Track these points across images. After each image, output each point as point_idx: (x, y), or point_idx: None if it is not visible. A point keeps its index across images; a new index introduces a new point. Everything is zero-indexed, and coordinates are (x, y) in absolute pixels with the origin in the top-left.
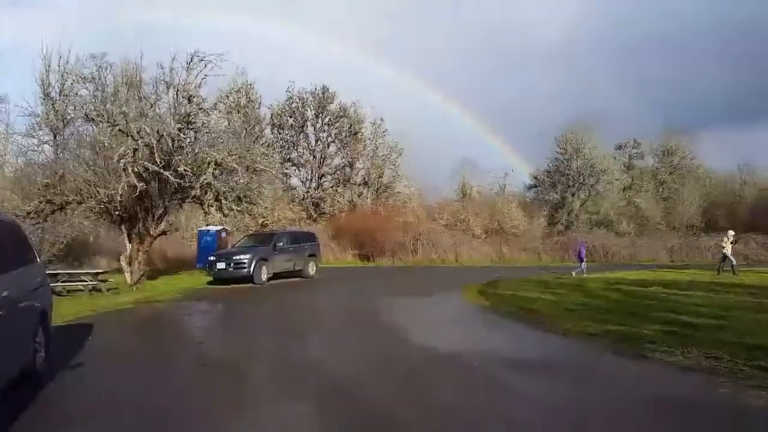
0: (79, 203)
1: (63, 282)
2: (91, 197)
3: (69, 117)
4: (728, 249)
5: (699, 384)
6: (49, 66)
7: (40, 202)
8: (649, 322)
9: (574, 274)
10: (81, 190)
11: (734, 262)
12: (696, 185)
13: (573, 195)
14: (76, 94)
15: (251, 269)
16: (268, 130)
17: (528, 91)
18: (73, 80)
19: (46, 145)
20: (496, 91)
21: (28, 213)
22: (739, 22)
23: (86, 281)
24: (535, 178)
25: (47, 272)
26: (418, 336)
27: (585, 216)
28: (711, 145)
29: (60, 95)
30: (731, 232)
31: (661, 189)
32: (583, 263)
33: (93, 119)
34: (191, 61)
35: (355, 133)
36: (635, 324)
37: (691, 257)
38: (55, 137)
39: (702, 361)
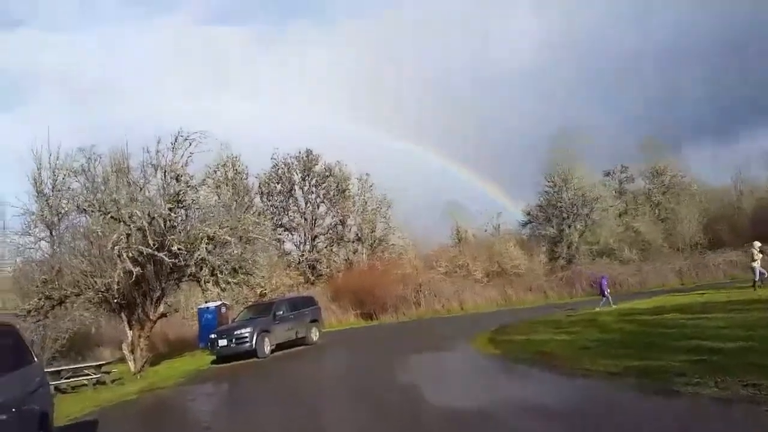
0: (77, 295)
1: (67, 378)
2: (89, 288)
3: (63, 211)
4: (757, 262)
5: (742, 417)
6: (40, 163)
7: (39, 299)
8: (673, 353)
9: (598, 309)
10: (78, 282)
11: (765, 274)
12: (692, 202)
13: (569, 227)
14: (68, 187)
15: (253, 343)
16: (257, 199)
17: (504, 123)
18: (65, 174)
19: (43, 242)
20: (474, 132)
21: (29, 311)
22: (718, 35)
23: (90, 375)
24: (528, 214)
25: (50, 370)
26: (433, 395)
27: (585, 247)
28: (700, 160)
29: (53, 191)
30: (757, 243)
31: (657, 210)
32: (607, 293)
33: (85, 210)
34: (176, 141)
35: (343, 191)
36: (658, 356)
37: (701, 277)
38: (51, 233)
39: (739, 390)
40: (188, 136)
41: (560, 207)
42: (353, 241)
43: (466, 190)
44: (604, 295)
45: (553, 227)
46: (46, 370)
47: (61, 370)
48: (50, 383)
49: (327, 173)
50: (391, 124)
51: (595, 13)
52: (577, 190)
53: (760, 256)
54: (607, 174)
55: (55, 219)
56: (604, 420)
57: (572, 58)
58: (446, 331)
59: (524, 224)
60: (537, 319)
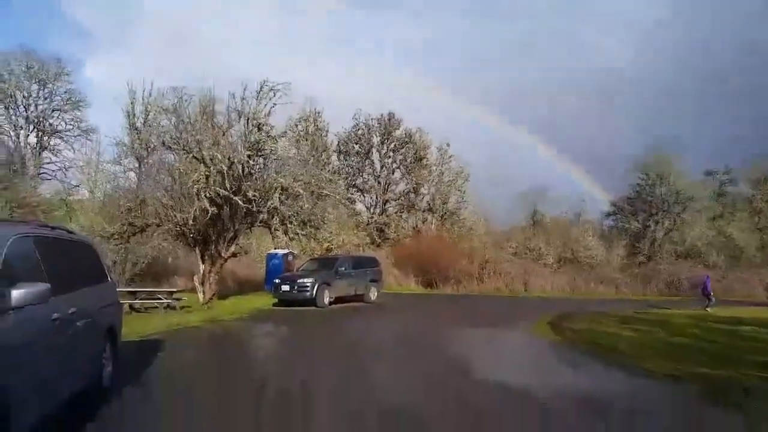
0: (158, 226)
1: (142, 299)
2: (169, 220)
3: (152, 146)
4: None
5: None
6: (134, 99)
7: (123, 225)
8: (745, 366)
9: (709, 309)
10: (159, 213)
11: None
12: None
13: (656, 223)
14: (158, 124)
15: (314, 292)
16: (334, 157)
17: (607, 119)
18: (156, 111)
19: (131, 173)
20: (574, 119)
21: (112, 235)
22: None
23: (162, 299)
24: (614, 205)
25: (127, 290)
26: (485, 370)
27: (669, 246)
28: None
29: (144, 125)
30: None
31: (757, 218)
32: (711, 296)
33: (171, 147)
34: (261, 90)
35: (420, 159)
36: (728, 367)
37: None
38: (139, 165)
39: None
40: (273, 86)
41: (650, 202)
42: (424, 210)
43: (550, 174)
44: (707, 296)
45: (638, 222)
46: (124, 289)
47: (137, 291)
48: (126, 302)
49: (406, 139)
50: (481, 96)
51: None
52: (671, 186)
53: None
54: (709, 174)
55: (144, 153)
56: (656, 424)
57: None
58: (507, 310)
59: (608, 215)
60: (605, 312)
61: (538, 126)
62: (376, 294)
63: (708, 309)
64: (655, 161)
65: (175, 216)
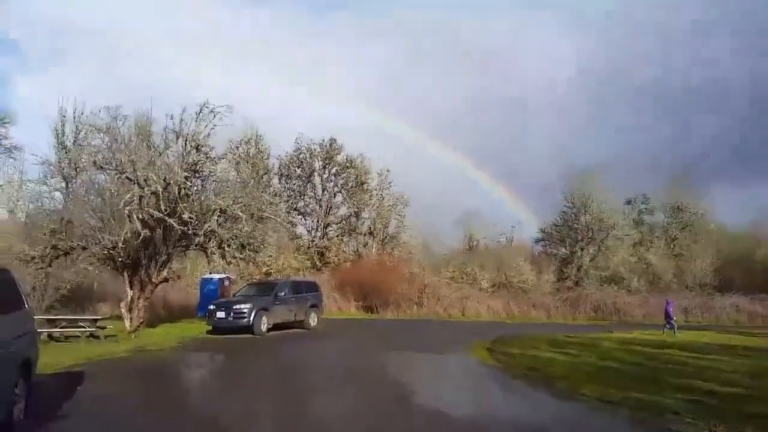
0: (84, 249)
1: (62, 328)
2: (96, 243)
3: (81, 165)
4: None
5: None
6: (64, 117)
7: (46, 248)
8: (670, 390)
9: (664, 331)
10: (86, 236)
11: None
12: (709, 242)
13: (582, 250)
14: (89, 143)
15: (251, 319)
16: (275, 180)
17: (532, 145)
18: (88, 130)
19: (57, 193)
20: (501, 145)
21: (32, 258)
22: (748, 75)
23: (84, 327)
24: (543, 231)
25: (47, 317)
26: (423, 397)
27: (594, 272)
28: (723, 202)
29: (74, 144)
30: None
31: (672, 245)
32: (673, 320)
33: (102, 167)
34: (201, 111)
35: (362, 184)
36: (655, 391)
37: (706, 318)
38: (66, 185)
39: None
40: (213, 108)
41: (576, 229)
42: (365, 234)
43: (485, 199)
44: (669, 321)
45: (565, 248)
46: (42, 317)
47: (57, 319)
48: (45, 330)
49: (348, 164)
50: (419, 125)
51: (633, 46)
52: (595, 214)
53: None
54: (628, 202)
55: (73, 172)
56: None
57: (608, 86)
58: (445, 334)
59: (537, 241)
60: (538, 336)
61: (473, 152)
62: (316, 320)
63: (664, 332)
64: (579, 190)
65: (103, 238)
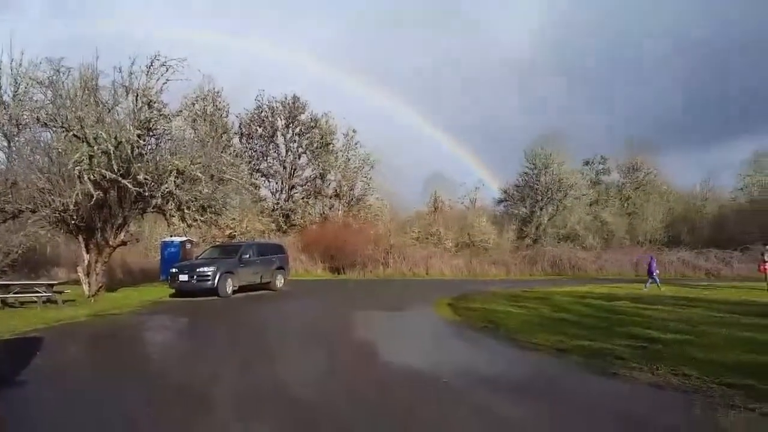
0: (33, 212)
1: (15, 293)
2: (46, 205)
3: (23, 122)
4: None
5: (669, 402)
6: (0, 68)
7: None
8: (618, 337)
9: (646, 288)
10: (35, 198)
11: None
12: (659, 201)
13: (541, 209)
14: (30, 98)
15: (215, 282)
16: (236, 140)
17: (497, 108)
18: (28, 84)
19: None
20: (467, 108)
21: None
22: (701, 41)
23: (40, 292)
24: (505, 192)
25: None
26: (388, 352)
27: (552, 230)
28: (673, 163)
29: (13, 99)
30: None
31: (626, 204)
32: (655, 275)
33: (47, 124)
34: (152, 65)
35: (327, 144)
36: (604, 339)
37: None
38: (8, 143)
39: (671, 378)
40: (165, 61)
41: (536, 189)
42: (331, 197)
43: (451, 163)
44: (651, 276)
45: (525, 207)
46: None
47: (11, 284)
48: None
49: (312, 124)
50: (387, 85)
51: (591, 14)
52: (555, 175)
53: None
54: (587, 163)
55: (14, 129)
56: (541, 391)
57: (567, 53)
58: (410, 293)
59: (499, 201)
60: (497, 292)
61: (437, 113)
62: (282, 281)
63: (646, 288)
64: (540, 151)
65: (53, 201)
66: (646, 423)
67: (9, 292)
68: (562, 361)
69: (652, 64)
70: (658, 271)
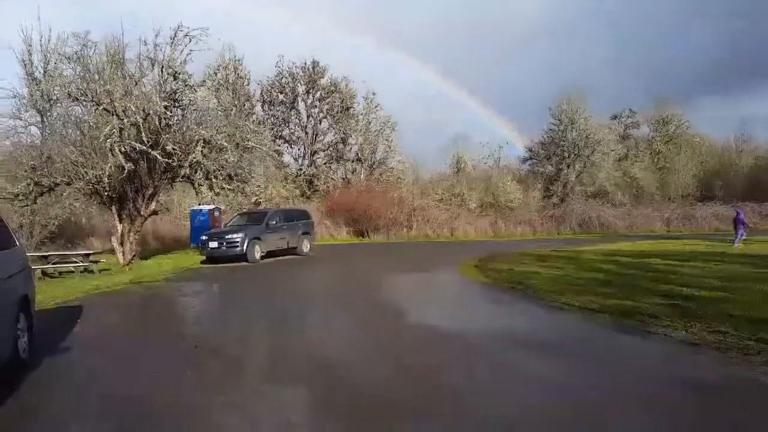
0: (68, 184)
1: (54, 264)
2: (79, 178)
3: (54, 97)
4: None
5: (706, 360)
6: (30, 46)
7: (28, 185)
8: (650, 296)
9: (736, 245)
10: (69, 171)
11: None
12: (692, 155)
13: (568, 167)
14: (60, 74)
15: (244, 248)
16: (258, 107)
17: (520, 65)
18: (57, 59)
19: (33, 127)
20: (489, 67)
21: (16, 195)
22: None
23: (77, 262)
24: (530, 150)
25: (38, 254)
26: (416, 314)
27: (580, 188)
28: (706, 115)
29: (44, 75)
30: None
31: (656, 159)
32: (742, 229)
33: (77, 99)
34: (175, 36)
35: (347, 108)
36: (636, 297)
37: (687, 227)
38: (42, 118)
39: (706, 335)
40: (188, 32)
41: (563, 146)
42: (353, 161)
43: (473, 123)
44: (738, 231)
45: (552, 165)
46: (33, 254)
47: (49, 255)
48: (37, 267)
49: (332, 88)
50: (408, 48)
51: None
52: (582, 131)
53: None
54: (615, 117)
55: (47, 105)
56: (574, 351)
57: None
58: (435, 255)
59: (524, 160)
60: (524, 252)
61: (458, 73)
62: (308, 246)
63: (736, 245)
64: (566, 106)
65: (87, 173)
66: (681, 381)
67: (48, 263)
68: (592, 320)
69: (679, 14)
70: (745, 226)
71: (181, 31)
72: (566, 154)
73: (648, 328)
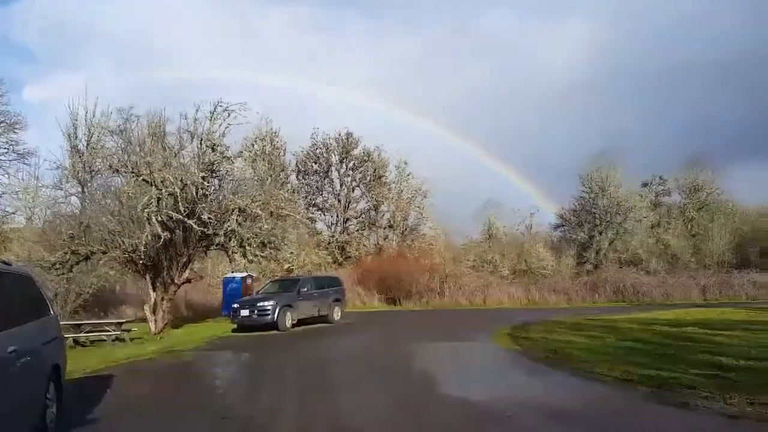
0: (104, 253)
1: (87, 332)
2: (116, 247)
3: (96, 169)
4: None
5: None
6: (76, 120)
7: (65, 253)
8: (688, 366)
9: None
10: (106, 240)
11: None
12: (726, 221)
13: (600, 234)
14: (102, 146)
15: (275, 316)
16: (293, 177)
17: (550, 130)
18: (100, 133)
19: (74, 197)
20: (518, 132)
21: (53, 264)
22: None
23: (110, 331)
24: (561, 217)
25: (71, 323)
26: (448, 384)
27: (613, 255)
28: (738, 181)
29: (87, 147)
30: None
31: (690, 226)
32: None
33: (118, 170)
34: (214, 110)
35: (380, 177)
36: (673, 368)
37: (724, 295)
38: (82, 189)
39: (746, 408)
40: (227, 107)
41: (594, 213)
42: (385, 228)
43: (504, 189)
44: None
45: (584, 232)
46: (67, 322)
47: (82, 323)
48: (70, 336)
49: (365, 158)
50: (437, 116)
51: (644, 27)
52: (612, 198)
53: None
54: (645, 185)
55: (88, 176)
56: (612, 426)
57: (621, 70)
58: (468, 323)
59: (556, 227)
60: (559, 320)
61: (489, 139)
62: (339, 314)
63: None
64: (596, 174)
65: (123, 242)
66: None
67: (81, 331)
68: (629, 391)
69: (707, 76)
70: None
71: (220, 105)
72: (598, 221)
73: (686, 399)
